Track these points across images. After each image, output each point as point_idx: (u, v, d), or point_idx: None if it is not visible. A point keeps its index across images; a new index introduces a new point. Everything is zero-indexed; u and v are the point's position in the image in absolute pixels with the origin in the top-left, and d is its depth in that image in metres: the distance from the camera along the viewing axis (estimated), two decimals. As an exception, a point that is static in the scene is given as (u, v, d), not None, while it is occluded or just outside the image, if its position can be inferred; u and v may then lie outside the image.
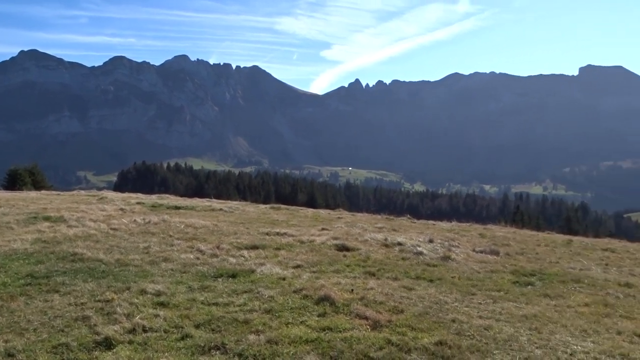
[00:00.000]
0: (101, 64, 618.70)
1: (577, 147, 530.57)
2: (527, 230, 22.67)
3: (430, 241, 13.96)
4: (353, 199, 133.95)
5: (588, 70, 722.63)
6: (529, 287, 9.49)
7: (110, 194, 26.85)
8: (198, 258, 10.21)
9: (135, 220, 15.02)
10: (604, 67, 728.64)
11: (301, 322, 6.63)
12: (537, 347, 6.20)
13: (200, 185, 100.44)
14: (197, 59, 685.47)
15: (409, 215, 24.91)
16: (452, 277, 9.72)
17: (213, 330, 6.34)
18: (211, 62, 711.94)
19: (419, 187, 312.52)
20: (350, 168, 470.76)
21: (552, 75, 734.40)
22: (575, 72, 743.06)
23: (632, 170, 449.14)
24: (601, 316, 7.74)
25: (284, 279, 8.80)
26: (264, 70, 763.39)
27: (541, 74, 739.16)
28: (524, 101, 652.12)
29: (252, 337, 6.06)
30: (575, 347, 6.30)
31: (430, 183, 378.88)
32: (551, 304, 8.34)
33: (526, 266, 11.44)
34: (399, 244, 13.02)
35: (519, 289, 9.28)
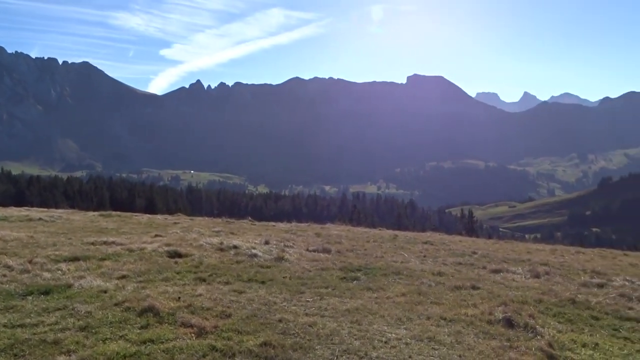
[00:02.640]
0: None
1: (406, 149, 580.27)
2: (361, 228, 24.12)
3: (267, 243, 14.13)
4: (195, 203, 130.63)
5: (414, 79, 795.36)
6: (355, 282, 10.05)
7: None
8: (5, 275, 9.04)
9: None
10: (428, 76, 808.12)
11: (120, 337, 6.21)
12: (356, 339, 6.56)
13: (21, 193, 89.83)
14: (16, 52, 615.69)
15: (250, 218, 25.03)
16: (283, 278, 9.91)
17: (15, 355, 5.65)
18: (33, 56, 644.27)
19: (262, 189, 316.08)
20: (192, 171, 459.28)
21: (384, 82, 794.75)
22: (404, 80, 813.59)
23: (452, 169, 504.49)
24: (415, 304, 8.45)
25: (105, 291, 8.18)
26: (96, 67, 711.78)
27: (374, 81, 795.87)
28: (359, 106, 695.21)
29: (61, 358, 5.53)
30: (390, 334, 6.79)
31: (274, 185, 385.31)
32: (373, 296, 8.90)
33: (354, 262, 12.10)
34: (235, 247, 12.95)
35: (345, 284, 9.77)
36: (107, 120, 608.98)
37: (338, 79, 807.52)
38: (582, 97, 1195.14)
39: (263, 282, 9.45)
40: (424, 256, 14.18)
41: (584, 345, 6.88)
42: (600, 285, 10.87)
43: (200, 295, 8.17)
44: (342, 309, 7.87)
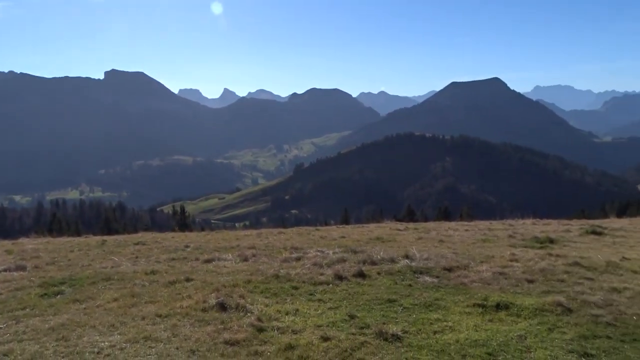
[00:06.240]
0: None
1: (109, 148, 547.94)
2: (64, 238, 21.94)
3: (-63, 270, 11.67)
4: None
5: (113, 75, 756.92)
6: (59, 296, 9.16)
7: None
8: None
9: None
10: (127, 72, 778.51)
11: None
12: (63, 356, 6.04)
13: None
14: None
15: None
16: (-36, 308, 8.38)
17: None
18: None
19: None
20: None
21: (79, 77, 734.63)
22: (101, 76, 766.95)
23: (161, 167, 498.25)
24: (128, 307, 8.17)
25: None
26: None
27: (67, 76, 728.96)
28: (52, 104, 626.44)
29: None
30: (102, 343, 6.44)
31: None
32: (81, 307, 8.27)
33: (56, 275, 10.98)
34: None
35: (47, 300, 8.82)
36: None
37: (21, 73, 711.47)
38: (275, 92, 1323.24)
39: None
40: (136, 257, 13.75)
41: (287, 313, 7.76)
42: (298, 259, 12.31)
43: None
44: (44, 328, 7.11)
